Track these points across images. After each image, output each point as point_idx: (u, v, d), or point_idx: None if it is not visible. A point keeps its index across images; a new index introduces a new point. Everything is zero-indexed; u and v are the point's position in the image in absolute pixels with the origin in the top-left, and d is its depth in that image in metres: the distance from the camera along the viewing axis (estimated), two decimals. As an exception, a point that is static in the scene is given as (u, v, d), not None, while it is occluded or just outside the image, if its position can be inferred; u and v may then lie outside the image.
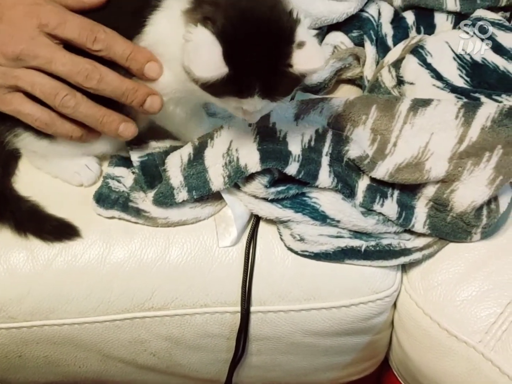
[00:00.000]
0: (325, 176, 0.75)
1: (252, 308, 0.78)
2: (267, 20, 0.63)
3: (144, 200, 0.78)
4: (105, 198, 0.78)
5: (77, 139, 0.75)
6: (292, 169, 0.74)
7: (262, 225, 0.79)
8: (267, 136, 0.75)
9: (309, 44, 0.63)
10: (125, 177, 0.80)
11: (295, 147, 0.75)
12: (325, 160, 0.75)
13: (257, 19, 0.63)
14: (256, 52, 0.62)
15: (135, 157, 0.80)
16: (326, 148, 0.76)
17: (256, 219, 0.79)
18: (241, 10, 0.62)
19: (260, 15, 0.63)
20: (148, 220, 0.77)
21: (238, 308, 0.77)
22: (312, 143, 0.76)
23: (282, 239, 0.78)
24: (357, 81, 0.95)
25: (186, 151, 0.77)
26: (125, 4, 0.72)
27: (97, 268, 0.77)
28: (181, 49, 0.63)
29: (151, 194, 0.77)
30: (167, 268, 0.77)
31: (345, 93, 0.95)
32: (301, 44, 0.62)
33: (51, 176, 0.82)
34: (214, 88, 0.63)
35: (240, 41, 0.62)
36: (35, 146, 0.77)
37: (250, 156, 0.73)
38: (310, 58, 0.63)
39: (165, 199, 0.76)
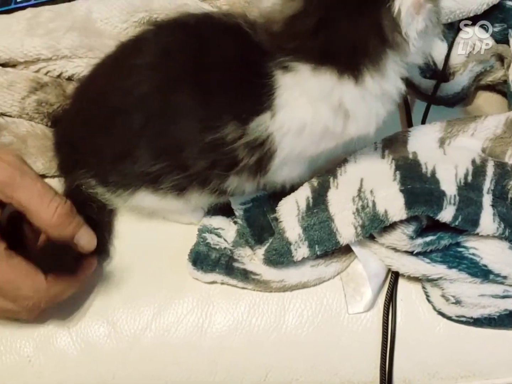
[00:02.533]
0: (488, 221, 0.59)
1: (395, 390, 0.62)
2: None
3: (252, 259, 0.64)
4: (204, 258, 0.64)
5: None
6: (447, 214, 0.58)
7: (401, 283, 0.64)
8: (410, 172, 0.60)
9: None
10: (226, 229, 0.66)
11: (448, 185, 0.59)
12: (486, 200, 0.60)
13: None
14: None
15: (237, 204, 0.65)
16: (487, 183, 0.60)
17: (394, 276, 0.63)
18: None
19: None
20: (259, 284, 0.63)
21: (377, 391, 0.61)
22: (469, 178, 0.60)
23: (430, 301, 0.63)
24: (498, 87, 0.78)
25: (303, 194, 0.62)
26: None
27: (196, 343, 0.63)
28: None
29: (260, 251, 0.62)
30: (283, 341, 0.63)
31: (485, 103, 0.78)
32: None
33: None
34: None
35: None
36: (147, 201, 0.63)
37: (391, 200, 0.58)
38: None
39: (280, 257, 0.61)
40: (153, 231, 0.68)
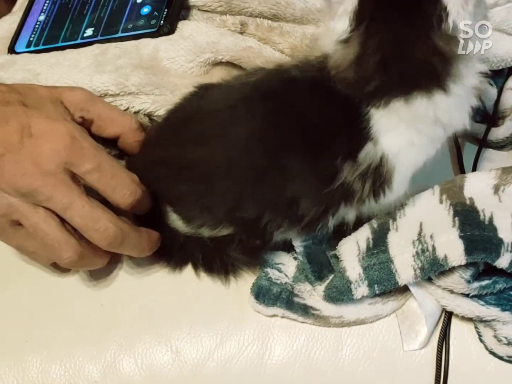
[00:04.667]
0: (546, 268, 0.61)
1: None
2: None
3: (312, 295, 0.67)
4: (266, 292, 0.67)
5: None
6: (504, 261, 0.61)
7: (454, 322, 0.66)
8: (469, 218, 0.62)
9: None
10: (286, 265, 0.69)
11: (505, 233, 0.62)
12: None
13: None
14: None
15: (298, 241, 0.68)
16: None
17: (448, 315, 0.66)
18: None
19: None
20: (318, 319, 0.66)
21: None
22: (527, 225, 0.63)
23: (482, 341, 0.65)
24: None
25: (364, 235, 0.65)
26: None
27: (256, 374, 0.66)
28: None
29: (321, 287, 0.66)
30: (341, 375, 0.66)
31: (531, 147, 0.80)
32: None
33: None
34: None
35: None
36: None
37: (451, 246, 0.61)
38: None
39: (340, 295, 0.64)
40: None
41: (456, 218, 0.63)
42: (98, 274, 0.71)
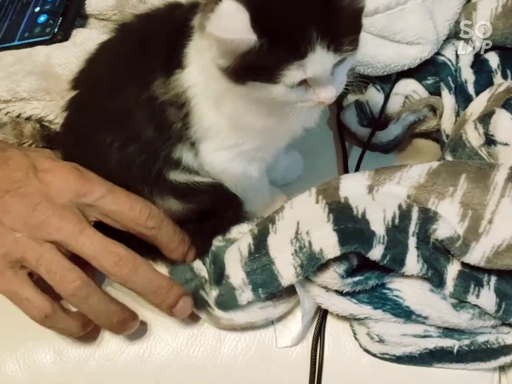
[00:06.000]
0: (413, 262, 0.64)
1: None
2: None
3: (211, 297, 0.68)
4: (179, 272, 0.69)
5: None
6: (376, 253, 0.63)
7: (330, 318, 0.69)
8: (342, 214, 0.65)
9: None
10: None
11: (378, 226, 0.64)
12: (412, 242, 0.65)
13: None
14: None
15: (217, 239, 0.71)
16: (412, 227, 0.66)
17: (323, 312, 0.68)
18: None
19: None
20: (211, 317, 0.68)
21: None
22: (396, 221, 0.66)
23: (356, 339, 0.68)
24: (432, 135, 0.85)
25: (245, 242, 0.67)
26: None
27: (136, 372, 0.68)
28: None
29: (214, 293, 0.67)
30: (219, 371, 0.68)
31: (419, 149, 0.85)
32: None
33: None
34: (257, 64, 0.55)
35: None
36: None
37: (325, 239, 0.63)
38: None
39: (227, 302, 0.66)
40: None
41: (331, 215, 0.65)
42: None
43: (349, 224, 0.64)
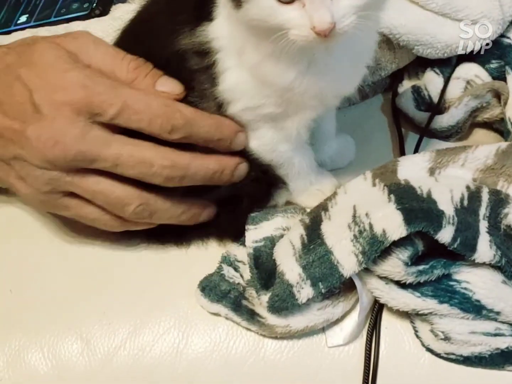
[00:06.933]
0: (485, 247, 0.58)
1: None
2: None
3: (261, 303, 0.62)
4: (213, 287, 0.63)
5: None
6: (446, 234, 0.57)
7: (385, 311, 0.63)
8: (405, 193, 0.60)
9: None
10: (247, 265, 0.65)
11: (446, 205, 0.59)
12: (483, 226, 0.59)
13: None
14: None
15: (250, 240, 0.65)
16: (483, 209, 0.60)
17: (378, 306, 0.62)
18: None
19: None
20: (263, 327, 0.61)
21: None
22: (465, 202, 0.60)
23: (418, 336, 0.61)
24: (495, 125, 0.79)
25: (296, 233, 0.62)
26: None
27: (171, 364, 0.63)
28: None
29: (265, 297, 0.61)
30: (261, 366, 0.62)
31: (481, 140, 0.79)
32: None
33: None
34: None
35: None
36: None
37: (388, 219, 0.58)
38: None
39: (283, 303, 0.60)
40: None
41: (392, 195, 0.60)
42: (8, 259, 0.69)
43: (414, 203, 0.58)
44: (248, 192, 0.67)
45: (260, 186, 0.68)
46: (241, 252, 0.66)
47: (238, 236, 0.67)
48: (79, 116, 0.58)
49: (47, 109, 0.59)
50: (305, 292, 0.59)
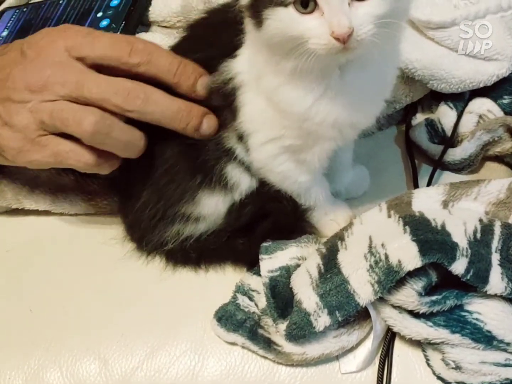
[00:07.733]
0: (496, 279, 0.60)
1: None
2: None
3: (278, 331, 0.64)
4: (229, 317, 0.65)
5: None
6: (459, 266, 0.59)
7: (398, 340, 0.64)
8: (420, 225, 0.61)
9: None
10: (261, 294, 0.66)
11: (460, 238, 0.60)
12: (495, 258, 0.61)
13: None
14: None
15: (265, 269, 0.66)
16: (495, 242, 0.62)
17: (391, 333, 0.64)
18: None
19: None
20: (279, 355, 0.63)
21: None
22: (478, 235, 0.62)
23: (429, 365, 0.63)
24: (506, 159, 0.81)
25: (313, 263, 0.64)
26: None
27: (187, 386, 0.64)
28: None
29: (283, 326, 0.62)
30: (275, 391, 0.63)
31: (491, 173, 0.80)
32: None
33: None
34: None
35: None
36: None
37: (404, 250, 0.59)
38: None
39: (301, 331, 0.61)
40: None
41: (407, 227, 0.61)
42: (28, 279, 0.70)
43: (428, 235, 0.60)
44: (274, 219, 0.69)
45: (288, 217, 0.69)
46: (254, 281, 0.67)
47: (252, 264, 0.68)
48: (58, 48, 0.63)
49: (32, 51, 0.64)
50: (322, 320, 0.61)
